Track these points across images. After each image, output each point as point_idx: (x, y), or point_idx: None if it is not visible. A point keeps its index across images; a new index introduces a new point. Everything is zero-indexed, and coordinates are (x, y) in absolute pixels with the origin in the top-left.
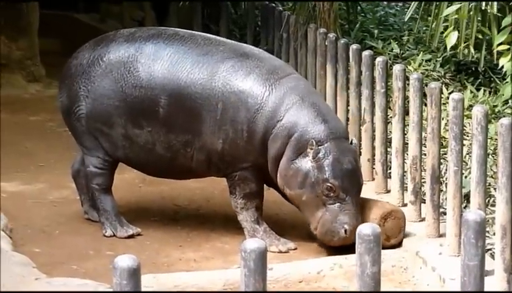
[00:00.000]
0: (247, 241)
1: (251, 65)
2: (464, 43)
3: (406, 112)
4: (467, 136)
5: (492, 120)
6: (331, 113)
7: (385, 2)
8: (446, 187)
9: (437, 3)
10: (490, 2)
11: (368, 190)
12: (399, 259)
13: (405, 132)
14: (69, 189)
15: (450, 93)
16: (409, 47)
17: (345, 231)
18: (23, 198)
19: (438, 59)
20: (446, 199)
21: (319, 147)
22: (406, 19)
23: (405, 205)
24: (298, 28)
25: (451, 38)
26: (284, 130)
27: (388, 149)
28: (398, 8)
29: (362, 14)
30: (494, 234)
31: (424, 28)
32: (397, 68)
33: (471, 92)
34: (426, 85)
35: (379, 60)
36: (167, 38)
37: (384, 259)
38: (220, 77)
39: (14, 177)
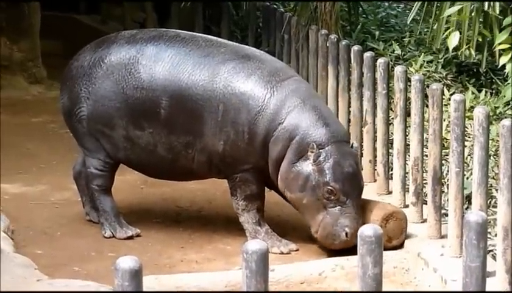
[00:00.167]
0: (248, 242)
1: (252, 66)
2: (466, 44)
3: (407, 113)
4: (469, 137)
5: (494, 121)
6: (333, 116)
7: (386, 4)
8: (448, 188)
9: (439, 4)
10: (492, 4)
11: (370, 192)
12: (401, 260)
13: (407, 134)
14: (71, 191)
15: (451, 95)
16: (411, 49)
17: (346, 234)
18: (25, 200)
19: (440, 60)
20: (448, 200)
21: (320, 150)
22: (408, 22)
23: (406, 206)
24: (299, 30)
25: (453, 40)
26: (285, 133)
27: (390, 151)
28: (399, 10)
29: (364, 15)
30: (496, 235)
31: (425, 29)
32: (398, 70)
33: (472, 93)
34: (428, 87)
35: (380, 61)
36: (169, 40)
37: (386, 260)
38: (221, 78)
39: (16, 179)
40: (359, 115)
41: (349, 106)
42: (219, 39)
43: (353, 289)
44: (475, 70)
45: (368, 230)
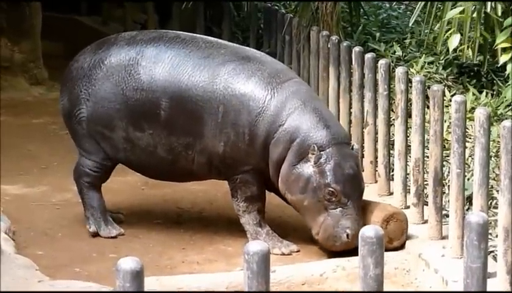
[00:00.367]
0: (250, 243)
1: (252, 68)
2: (467, 45)
3: (408, 115)
4: (470, 138)
5: (495, 122)
6: (333, 118)
7: (387, 5)
8: (449, 189)
9: (440, 5)
10: (493, 5)
11: (371, 193)
12: (402, 261)
13: (408, 135)
14: (72, 192)
15: (452, 96)
16: (412, 50)
17: (347, 235)
18: (26, 201)
19: (440, 62)
20: (449, 201)
21: (321, 152)
22: (411, 24)
23: (407, 207)
24: (300, 31)
25: (454, 41)
26: (286, 135)
27: (391, 152)
28: (400, 11)
29: (365, 16)
30: (497, 236)
31: (426, 31)
32: (399, 71)
33: (473, 94)
34: (429, 88)
35: (381, 62)
36: (168, 41)
37: (387, 261)
38: (221, 80)
39: (17, 180)
40: (361, 116)
41: (350, 107)
42: (219, 40)
43: (354, 290)
44: (475, 71)
45: (369, 231)
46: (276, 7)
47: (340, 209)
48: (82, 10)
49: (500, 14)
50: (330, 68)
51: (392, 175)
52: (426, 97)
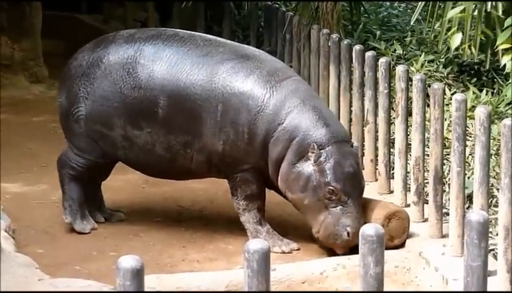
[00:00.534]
0: (250, 242)
1: (251, 66)
2: (468, 44)
3: (409, 113)
4: (470, 137)
5: (495, 121)
6: (332, 116)
7: (388, 3)
8: (449, 187)
9: (441, 4)
10: (494, 4)
11: (371, 191)
12: (402, 260)
13: (408, 133)
14: None
15: (452, 94)
16: (412, 48)
17: (348, 233)
18: (26, 199)
19: (441, 60)
20: (449, 199)
21: (321, 151)
22: (412, 22)
23: (407, 206)
24: (301, 29)
25: (455, 40)
26: (285, 134)
27: (391, 150)
28: (401, 9)
29: (366, 15)
30: (497, 234)
31: (427, 29)
32: (400, 69)
33: (474, 93)
34: (429, 86)
35: (382, 61)
36: (167, 39)
37: (387, 259)
38: (220, 78)
39: (17, 178)
40: (361, 114)
41: (351, 106)
42: (218, 38)
43: (355, 288)
44: (476, 69)
45: (370, 229)
46: (276, 5)
47: (340, 207)
48: (83, 8)
49: (501, 12)
50: (330, 67)
51: (393, 173)
52: (427, 96)
